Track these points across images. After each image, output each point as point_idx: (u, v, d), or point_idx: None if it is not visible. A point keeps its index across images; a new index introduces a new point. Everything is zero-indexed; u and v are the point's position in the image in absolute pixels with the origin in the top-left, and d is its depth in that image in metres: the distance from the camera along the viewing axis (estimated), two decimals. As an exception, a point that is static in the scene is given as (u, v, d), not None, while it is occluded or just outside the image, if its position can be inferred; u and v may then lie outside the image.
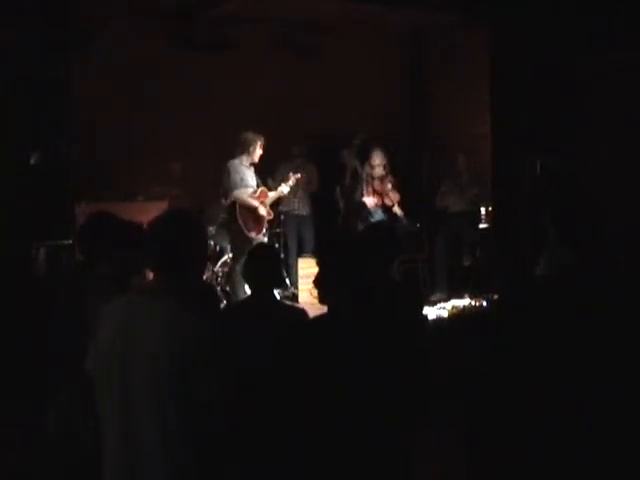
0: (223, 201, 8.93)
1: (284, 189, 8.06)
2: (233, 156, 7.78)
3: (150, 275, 2.68)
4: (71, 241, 6.27)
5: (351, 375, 2.70)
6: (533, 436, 2.41)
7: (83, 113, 7.40)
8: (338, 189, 9.00)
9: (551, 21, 7.65)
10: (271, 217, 8.00)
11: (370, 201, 8.59)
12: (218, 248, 8.48)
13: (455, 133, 10.09)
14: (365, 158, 8.79)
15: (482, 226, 8.90)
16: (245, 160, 7.71)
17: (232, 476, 2.45)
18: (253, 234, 7.70)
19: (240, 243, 7.60)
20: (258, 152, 7.73)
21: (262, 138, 7.73)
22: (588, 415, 2.35)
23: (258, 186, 7.87)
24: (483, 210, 8.85)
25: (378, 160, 8.64)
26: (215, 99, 9.09)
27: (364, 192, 8.63)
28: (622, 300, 2.48)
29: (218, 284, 8.11)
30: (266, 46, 9.48)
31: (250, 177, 7.79)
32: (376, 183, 8.62)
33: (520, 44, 7.92)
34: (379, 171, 8.62)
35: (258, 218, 7.79)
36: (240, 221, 7.65)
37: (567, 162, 7.64)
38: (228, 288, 8.06)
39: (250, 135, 7.72)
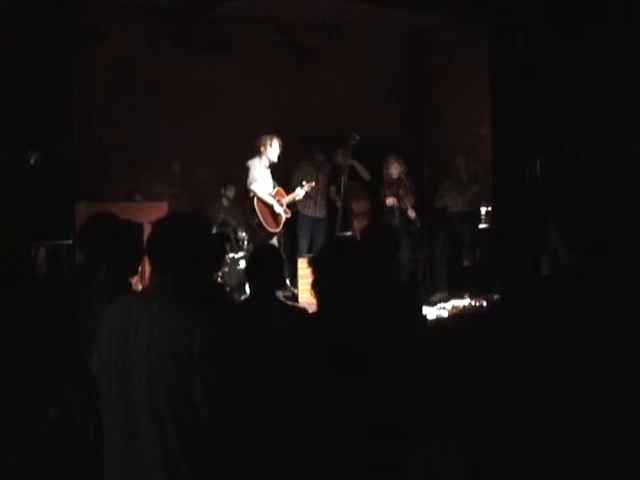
0: (224, 201, 8.96)
1: (300, 193, 8.22)
2: (251, 156, 7.89)
3: (150, 275, 2.67)
4: (71, 241, 6.26)
5: (350, 375, 2.70)
6: (533, 436, 2.41)
7: (83, 113, 7.39)
8: (333, 189, 9.03)
9: (551, 21, 7.65)
10: (289, 216, 8.14)
11: (391, 201, 8.70)
12: (218, 248, 8.49)
13: (455, 133, 10.09)
14: (362, 155, 8.87)
15: (482, 226, 8.90)
16: (264, 161, 7.84)
17: (232, 476, 2.45)
18: (272, 229, 7.89)
19: (260, 238, 7.83)
20: (272, 152, 7.85)
21: (275, 138, 7.81)
22: (590, 416, 2.35)
23: (274, 187, 8.00)
24: (483, 210, 8.85)
25: (393, 169, 8.76)
26: (215, 99, 9.09)
27: (386, 193, 8.74)
28: (625, 300, 2.48)
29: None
30: (266, 46, 9.48)
31: (267, 177, 7.92)
32: (393, 188, 8.73)
33: (520, 44, 7.91)
34: (397, 178, 8.74)
35: (275, 215, 7.97)
36: (259, 216, 7.79)
37: (567, 162, 7.64)
38: (228, 288, 8.07)
39: (262, 136, 7.86)
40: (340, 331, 2.86)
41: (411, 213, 8.67)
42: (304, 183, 8.32)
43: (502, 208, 8.41)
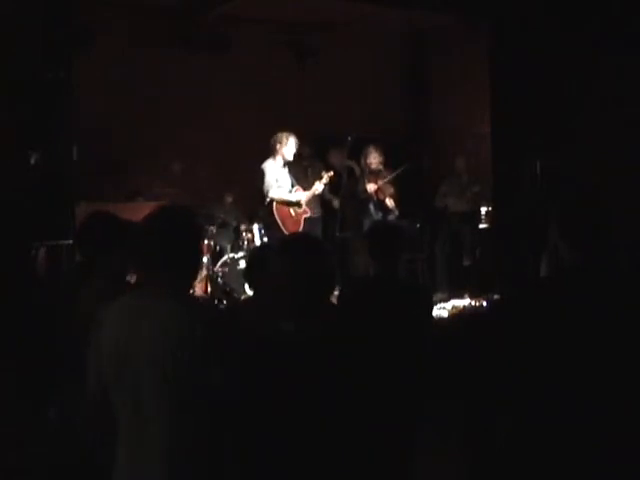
0: (228, 199, 8.96)
1: (318, 187, 8.03)
2: (266, 157, 7.73)
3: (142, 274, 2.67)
4: (71, 241, 6.27)
5: (352, 374, 2.70)
6: (533, 436, 2.41)
7: (83, 113, 7.40)
8: (327, 189, 8.98)
9: (551, 21, 7.65)
10: (308, 215, 7.97)
11: (371, 187, 8.54)
12: (218, 248, 8.49)
13: (455, 133, 10.10)
14: (361, 156, 8.79)
15: (482, 226, 8.90)
16: (278, 160, 7.66)
17: (232, 476, 2.45)
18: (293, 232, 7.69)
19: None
20: (288, 150, 7.65)
21: (291, 136, 7.65)
22: (590, 416, 2.35)
23: (293, 185, 7.84)
24: (483, 210, 8.86)
25: (372, 158, 8.59)
26: (215, 99, 9.09)
27: (365, 185, 8.66)
28: (625, 300, 2.48)
29: (218, 284, 8.12)
30: (266, 46, 9.48)
31: (285, 177, 7.75)
32: (371, 178, 8.61)
33: (520, 44, 7.92)
34: (375, 168, 8.62)
35: (296, 216, 7.80)
36: (278, 220, 7.64)
37: (567, 162, 7.64)
38: (228, 289, 8.06)
39: (278, 134, 7.67)
40: (351, 331, 2.86)
41: (389, 202, 8.48)
42: (323, 174, 8.16)
43: (502, 208, 8.43)
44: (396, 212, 8.57)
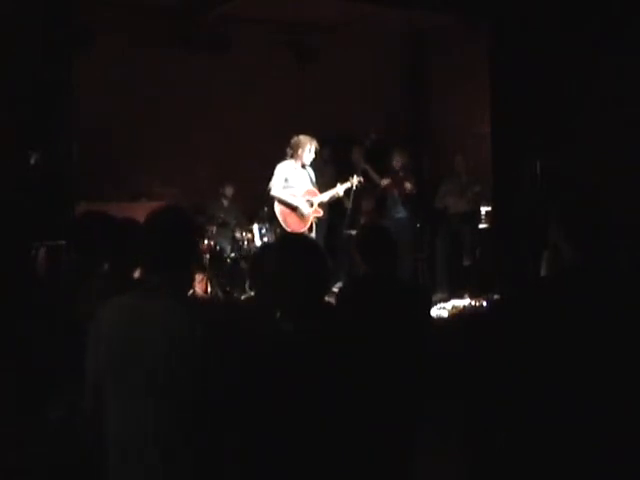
0: (224, 201, 8.96)
1: (340, 190, 8.00)
2: (268, 157, 7.69)
3: (142, 273, 2.66)
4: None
5: (352, 374, 2.70)
6: (533, 436, 2.41)
7: (83, 113, 7.40)
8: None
9: (551, 21, 7.66)
10: (320, 214, 7.90)
11: (385, 181, 8.72)
12: (218, 248, 8.50)
13: (455, 133, 10.10)
14: (376, 158, 8.85)
15: (482, 226, 8.91)
16: (295, 162, 7.63)
17: (232, 476, 2.45)
18: (296, 230, 7.62)
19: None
20: (308, 156, 7.59)
21: (314, 141, 7.62)
22: (590, 416, 2.35)
23: (313, 185, 7.77)
24: (483, 210, 8.86)
25: (395, 161, 8.78)
26: (215, 99, 9.10)
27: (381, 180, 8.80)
28: (626, 300, 2.48)
29: (218, 284, 8.13)
30: (266, 46, 9.49)
31: (299, 178, 7.67)
32: (393, 175, 8.75)
33: (520, 44, 7.92)
34: (397, 168, 8.79)
35: (301, 215, 7.74)
36: (280, 219, 7.61)
37: (567, 162, 7.64)
38: (228, 288, 8.07)
39: (301, 138, 7.60)
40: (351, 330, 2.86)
41: (407, 185, 8.63)
42: (354, 178, 8.11)
43: (502, 208, 8.43)
44: (414, 191, 8.64)
